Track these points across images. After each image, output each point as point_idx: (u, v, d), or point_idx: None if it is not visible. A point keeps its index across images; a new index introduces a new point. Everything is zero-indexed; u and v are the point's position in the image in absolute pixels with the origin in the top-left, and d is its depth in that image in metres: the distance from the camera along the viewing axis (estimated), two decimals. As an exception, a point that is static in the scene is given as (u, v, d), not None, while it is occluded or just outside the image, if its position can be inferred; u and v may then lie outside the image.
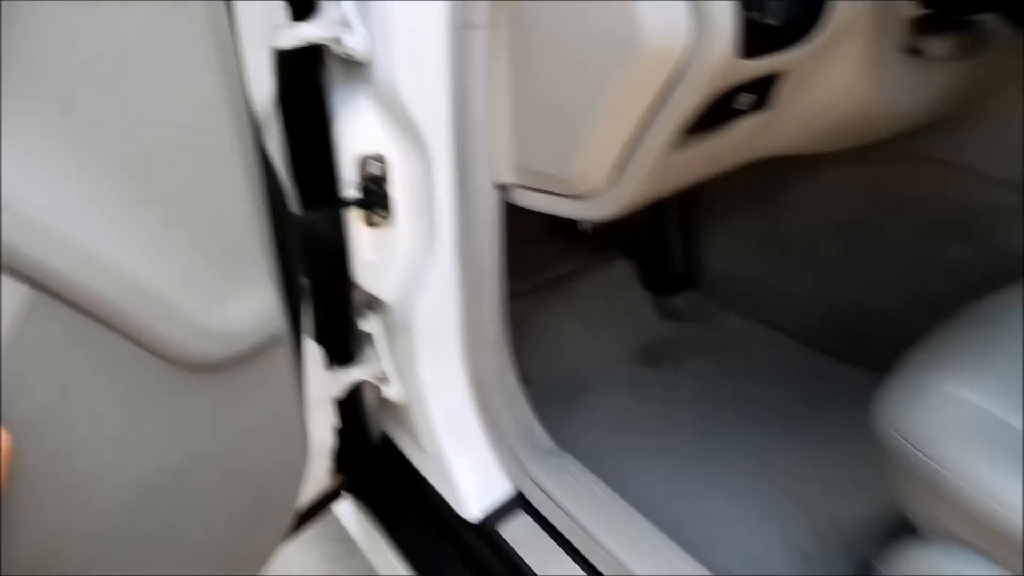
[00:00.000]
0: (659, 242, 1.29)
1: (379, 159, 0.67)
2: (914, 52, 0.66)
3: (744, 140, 0.64)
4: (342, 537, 1.23)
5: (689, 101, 0.52)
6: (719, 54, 0.49)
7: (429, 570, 0.78)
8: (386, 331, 0.78)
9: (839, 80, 0.63)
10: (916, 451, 0.53)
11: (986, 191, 0.90)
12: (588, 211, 0.64)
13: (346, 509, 0.95)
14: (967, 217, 0.93)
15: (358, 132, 0.66)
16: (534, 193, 0.67)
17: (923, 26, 0.62)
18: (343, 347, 0.79)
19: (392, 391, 0.80)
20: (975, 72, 0.75)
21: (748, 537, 0.82)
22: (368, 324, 0.79)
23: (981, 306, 0.64)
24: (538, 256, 1.22)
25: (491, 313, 0.74)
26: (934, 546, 0.54)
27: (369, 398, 0.86)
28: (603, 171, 0.60)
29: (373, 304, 0.78)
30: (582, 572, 0.68)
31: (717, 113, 0.56)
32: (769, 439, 0.96)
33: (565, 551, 0.70)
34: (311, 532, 1.24)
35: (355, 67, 0.62)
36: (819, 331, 1.13)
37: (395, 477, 0.86)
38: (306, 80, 0.63)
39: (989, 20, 0.63)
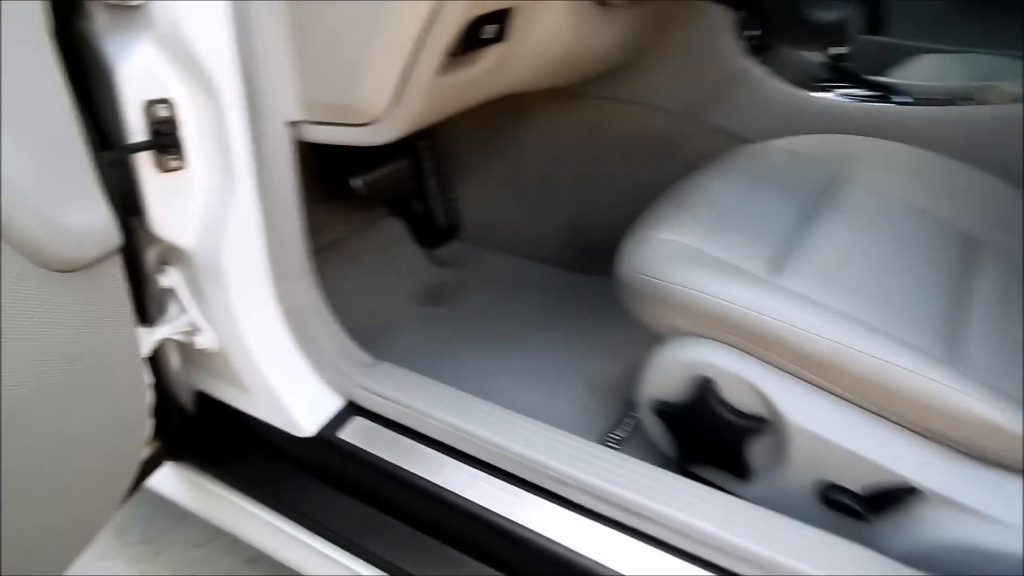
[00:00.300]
0: (422, 201, 1.43)
1: (167, 103, 0.70)
2: (602, 3, 0.87)
3: (491, 70, 0.80)
4: (147, 539, 1.19)
5: (449, 28, 0.65)
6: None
7: (278, 495, 0.83)
8: (190, 281, 0.80)
9: (552, 21, 0.81)
10: (645, 277, 0.74)
11: (667, 120, 1.19)
12: (374, 136, 0.75)
13: (168, 480, 0.94)
14: (656, 142, 1.21)
15: (141, 77, 0.68)
16: (323, 127, 0.76)
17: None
18: (138, 307, 0.79)
19: (205, 340, 0.82)
20: (646, 20, 1.00)
21: (548, 401, 1.01)
22: (167, 279, 0.81)
23: (676, 188, 0.88)
24: (313, 221, 1.29)
25: (296, 246, 0.81)
26: (668, 343, 0.75)
27: (172, 361, 0.87)
28: (385, 97, 0.72)
29: (170, 257, 0.80)
30: (427, 447, 0.78)
31: (469, 41, 0.71)
32: (543, 337, 1.16)
33: (406, 435, 0.79)
34: (107, 543, 1.18)
35: (131, 11, 0.65)
36: (565, 254, 1.36)
37: (219, 427, 0.89)
38: (65, 30, 0.64)
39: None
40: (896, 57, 1.56)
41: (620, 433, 0.95)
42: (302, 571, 0.88)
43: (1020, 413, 0.61)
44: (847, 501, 0.66)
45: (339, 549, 0.79)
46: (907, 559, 0.63)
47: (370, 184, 1.23)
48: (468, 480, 0.74)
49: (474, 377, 1.06)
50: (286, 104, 0.74)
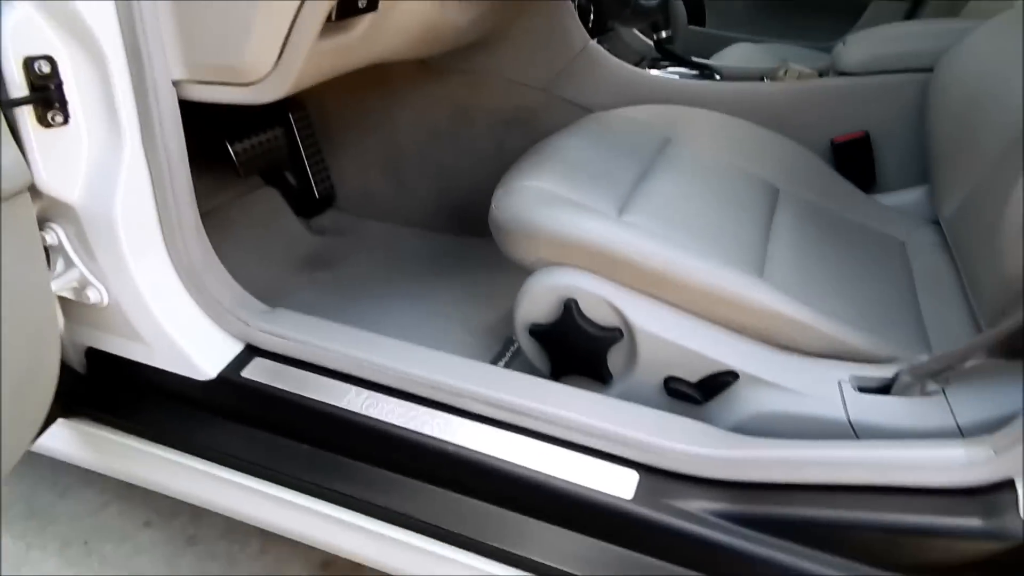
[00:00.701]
0: (297, 172, 1.47)
1: (49, 59, 0.72)
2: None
3: (364, 37, 0.88)
4: (32, 512, 1.16)
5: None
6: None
7: (184, 437, 0.87)
8: (76, 237, 0.82)
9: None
10: (515, 217, 0.86)
11: (526, 93, 1.32)
12: (257, 96, 0.81)
13: (61, 439, 0.94)
14: (518, 113, 1.34)
15: (20, 33, 0.69)
16: (207, 86, 0.81)
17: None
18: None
19: (95, 295, 0.84)
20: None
21: (432, 344, 1.09)
22: (50, 236, 0.82)
23: (536, 147, 1.01)
24: (191, 191, 1.30)
25: (186, 200, 0.85)
26: (538, 273, 0.88)
27: (58, 320, 0.88)
28: (269, 58, 0.78)
29: (53, 214, 0.81)
30: (328, 378, 0.85)
31: (346, 8, 0.79)
32: (426, 293, 1.25)
33: (307, 370, 0.86)
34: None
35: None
36: (439, 218, 1.46)
37: (115, 382, 0.91)
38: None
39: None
40: (717, 44, 1.81)
41: (500, 363, 1.07)
42: (215, 506, 0.92)
43: (807, 310, 0.79)
44: (685, 390, 0.82)
45: (250, 476, 0.84)
46: (734, 430, 0.80)
47: (245, 151, 1.26)
48: (370, 402, 0.82)
49: (363, 329, 1.14)
50: (171, 63, 0.78)
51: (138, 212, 0.82)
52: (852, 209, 1.09)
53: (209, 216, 1.34)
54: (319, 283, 1.28)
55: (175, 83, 0.80)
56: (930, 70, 1.06)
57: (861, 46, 1.17)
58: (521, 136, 1.33)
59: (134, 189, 0.80)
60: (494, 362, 1.08)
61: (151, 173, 0.81)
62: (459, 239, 1.43)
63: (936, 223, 1.06)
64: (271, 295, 1.22)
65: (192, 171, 1.34)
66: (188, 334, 0.87)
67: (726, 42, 1.78)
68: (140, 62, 0.75)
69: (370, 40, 0.91)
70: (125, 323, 0.86)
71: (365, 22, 0.87)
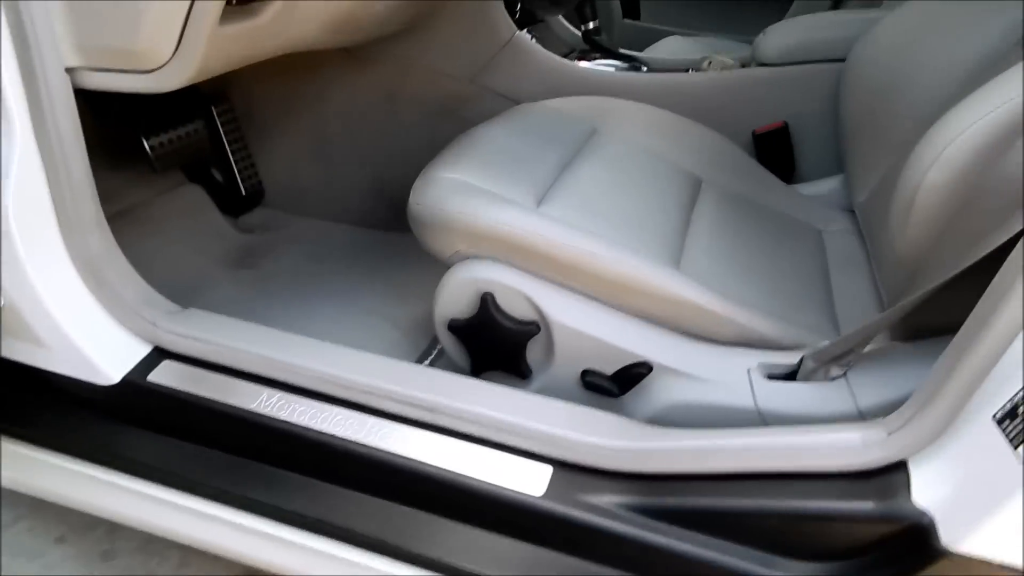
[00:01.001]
0: (222, 168, 1.43)
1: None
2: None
3: (274, 23, 0.85)
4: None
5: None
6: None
7: (89, 448, 0.84)
8: (-33, 239, 0.78)
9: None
10: (430, 208, 0.85)
11: (454, 84, 1.30)
12: (158, 83, 0.78)
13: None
14: (448, 103, 1.32)
15: None
16: (104, 73, 0.77)
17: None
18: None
19: (-10, 297, 0.80)
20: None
21: (359, 343, 1.06)
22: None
23: (460, 137, 1.00)
24: (102, 187, 1.24)
25: (84, 195, 0.81)
26: (455, 267, 0.87)
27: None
28: (168, 43, 0.75)
29: None
30: (238, 380, 0.82)
31: (248, -7, 0.77)
32: (353, 289, 1.23)
33: (217, 372, 0.83)
34: None
35: None
36: (373, 212, 1.44)
37: (17, 390, 0.86)
38: None
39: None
40: (651, 37, 1.82)
41: (426, 361, 1.05)
42: (126, 519, 0.88)
43: (718, 299, 0.80)
44: (601, 383, 0.82)
45: (160, 486, 0.81)
46: (650, 423, 0.80)
47: (162, 145, 1.22)
48: (282, 403, 0.80)
49: (283, 329, 1.11)
50: (63, 48, 0.74)
51: (32, 207, 0.78)
52: (772, 198, 1.11)
53: (127, 213, 1.31)
54: (243, 281, 1.25)
55: (69, 70, 0.77)
56: (845, 60, 1.08)
57: (779, 36, 1.19)
58: (452, 127, 1.31)
59: (27, 183, 0.77)
60: (421, 359, 1.06)
61: (45, 166, 0.78)
62: (392, 234, 1.41)
63: (852, 211, 1.09)
64: (191, 295, 1.19)
65: (108, 166, 1.30)
66: (90, 336, 0.83)
67: (660, 35, 1.79)
68: (27, 48, 0.72)
69: (281, 26, 0.88)
70: (23, 326, 0.82)
71: (274, 7, 0.84)
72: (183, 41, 0.75)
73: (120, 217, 1.26)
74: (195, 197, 1.37)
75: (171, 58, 0.77)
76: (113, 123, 1.21)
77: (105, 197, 1.27)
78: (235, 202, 1.44)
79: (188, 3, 0.73)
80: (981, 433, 0.57)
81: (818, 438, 0.66)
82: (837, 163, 1.16)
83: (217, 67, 0.83)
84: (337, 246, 1.38)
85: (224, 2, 0.74)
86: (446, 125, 1.32)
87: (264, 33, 0.86)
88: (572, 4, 0.91)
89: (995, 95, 0.59)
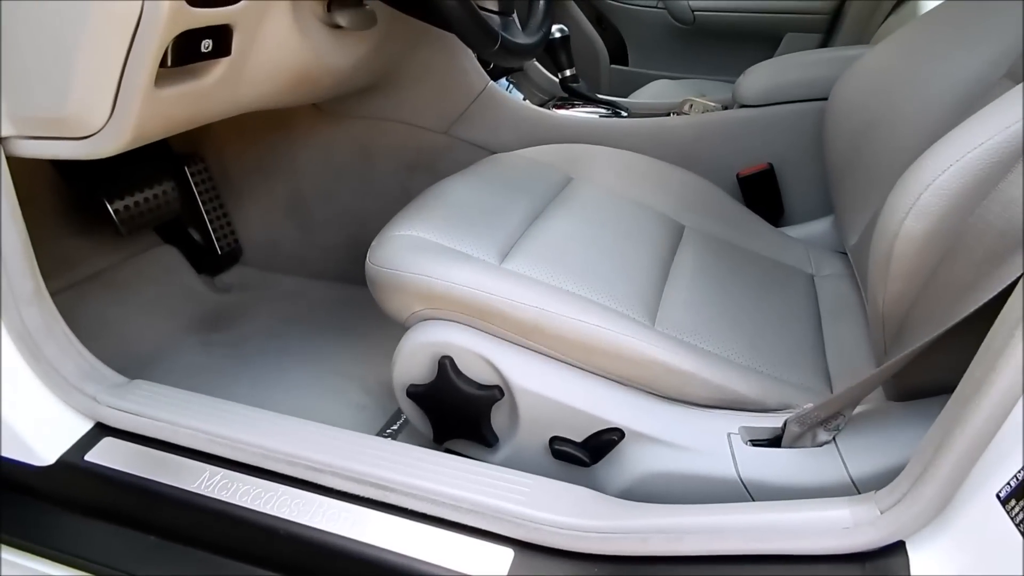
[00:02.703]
0: (199, 227, 1.40)
1: None
2: (334, 26, 0.93)
3: (223, 84, 0.82)
4: None
5: (155, 38, 0.67)
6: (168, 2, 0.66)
7: (21, 535, 0.78)
8: None
9: (281, 40, 0.86)
10: (384, 268, 0.80)
11: (427, 137, 1.27)
12: (94, 149, 0.74)
13: None
14: (421, 156, 1.29)
15: None
16: (38, 141, 0.74)
17: (331, 5, 0.90)
18: None
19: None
20: (389, 41, 1.07)
21: (322, 407, 1.03)
22: None
23: (424, 192, 0.96)
24: (70, 252, 1.22)
25: (20, 267, 0.77)
26: (412, 329, 0.81)
27: None
28: (101, 109, 0.72)
29: None
30: (182, 458, 0.77)
31: (187, 54, 0.74)
32: (324, 350, 1.18)
33: (158, 449, 0.77)
34: None
35: None
36: (350, 268, 1.39)
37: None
38: None
39: (370, 3, 0.95)
40: (639, 82, 1.80)
41: (394, 426, 0.99)
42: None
43: (691, 358, 0.74)
44: (571, 451, 0.76)
45: (89, 576, 0.75)
46: (625, 495, 0.73)
47: (128, 209, 1.19)
48: (224, 483, 0.74)
49: (249, 393, 1.06)
50: (-7, 119, 0.71)
51: (-37, 281, 0.74)
52: (759, 243, 1.05)
53: (96, 278, 1.27)
54: (213, 344, 1.20)
55: (2, 140, 0.74)
56: (827, 98, 1.04)
57: (759, 77, 1.15)
58: (426, 180, 1.28)
59: (-42, 257, 0.73)
60: (388, 424, 1.00)
61: None
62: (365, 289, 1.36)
63: (845, 253, 1.02)
64: (156, 362, 1.15)
65: (79, 229, 1.28)
66: (25, 413, 0.78)
67: (647, 79, 1.77)
68: None
69: (230, 87, 0.85)
70: (-47, 405, 0.78)
71: (220, 68, 0.81)
72: (117, 106, 0.72)
73: (89, 281, 1.23)
74: (168, 259, 1.34)
75: (106, 123, 0.73)
76: (83, 185, 1.19)
77: (75, 261, 1.26)
78: (212, 261, 1.40)
79: (120, 68, 0.70)
80: (985, 513, 0.50)
81: (804, 516, 0.59)
82: (827, 203, 1.11)
83: (158, 131, 0.80)
84: (312, 304, 1.33)
85: (156, 66, 0.71)
86: (421, 178, 1.28)
87: (211, 94, 0.83)
88: (528, 56, 0.87)
89: (971, 135, 0.53)
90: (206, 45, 0.75)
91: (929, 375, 0.63)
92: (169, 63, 0.73)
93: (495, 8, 0.84)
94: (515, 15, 1.39)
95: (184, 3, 0.68)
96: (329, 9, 0.90)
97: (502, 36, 0.79)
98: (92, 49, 0.68)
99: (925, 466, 0.53)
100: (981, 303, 0.51)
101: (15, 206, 0.76)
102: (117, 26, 0.67)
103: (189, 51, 0.74)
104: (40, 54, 0.69)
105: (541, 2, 0.94)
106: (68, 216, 1.24)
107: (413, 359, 0.80)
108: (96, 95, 0.71)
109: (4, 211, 0.74)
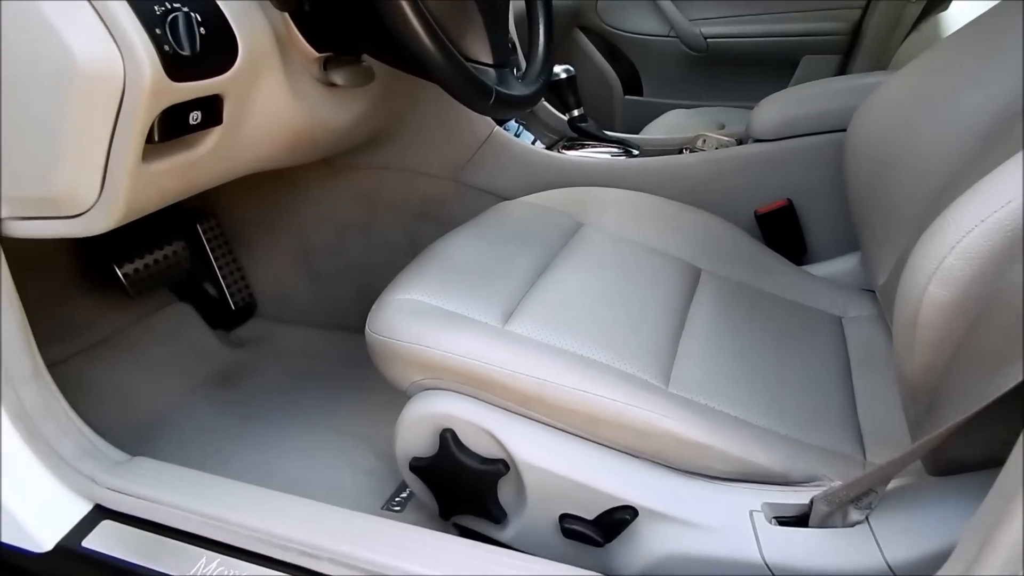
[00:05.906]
0: (213, 283, 1.39)
1: None
2: (331, 84, 0.91)
3: (217, 152, 0.80)
4: None
5: (139, 117, 0.66)
6: (151, 78, 0.64)
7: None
8: None
9: (275, 104, 0.84)
10: (381, 337, 0.77)
11: (434, 184, 1.25)
12: (86, 227, 0.73)
13: None
14: (428, 204, 1.26)
15: None
16: (31, 221, 0.73)
17: (327, 64, 0.88)
18: None
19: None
20: (388, 93, 1.05)
21: (330, 472, 1.00)
22: None
23: (426, 250, 0.93)
24: (82, 314, 1.22)
25: (17, 347, 0.76)
26: (412, 399, 0.78)
27: None
28: (90, 187, 0.70)
29: None
30: (179, 542, 0.74)
31: (176, 127, 0.72)
32: (334, 408, 1.15)
33: (156, 532, 0.75)
34: None
35: None
36: (360, 320, 1.36)
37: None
38: None
39: (367, 60, 0.93)
40: (655, 112, 1.76)
41: (403, 494, 0.96)
42: None
43: (706, 428, 0.69)
44: (582, 529, 0.71)
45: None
46: (643, 576, 0.68)
47: (138, 272, 1.19)
48: (221, 569, 0.71)
49: (256, 457, 1.04)
50: (-18, 203, 0.71)
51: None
52: (781, 284, 0.99)
53: (107, 340, 1.27)
54: (223, 403, 1.19)
55: (-2, 221, 0.73)
56: (845, 130, 0.98)
57: (773, 109, 1.10)
58: (434, 229, 1.26)
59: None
60: (397, 492, 0.96)
61: None
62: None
63: (874, 291, 0.96)
64: (163, 426, 1.13)
65: (89, 292, 1.28)
66: (21, 497, 0.77)
67: (662, 109, 1.72)
68: None
69: (226, 153, 0.84)
70: (-48, 491, 0.76)
71: (213, 137, 0.80)
72: (106, 184, 0.71)
73: (101, 344, 1.22)
74: (180, 317, 1.33)
75: (96, 201, 0.72)
76: (93, 249, 1.19)
77: (86, 324, 1.26)
78: (227, 316, 1.40)
79: (106, 146, 0.68)
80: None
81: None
82: (852, 238, 1.05)
83: (152, 204, 0.78)
84: (324, 359, 1.31)
85: (142, 143, 0.69)
86: (428, 227, 1.26)
87: (205, 163, 0.81)
88: (526, 107, 0.84)
89: (997, 192, 0.48)
90: (195, 117, 0.74)
91: (972, 447, 0.57)
92: (156, 139, 0.71)
93: (489, 61, 0.81)
94: (519, 52, 1.37)
95: (166, 79, 0.66)
96: (325, 68, 0.88)
97: (496, 90, 0.75)
98: (76, 130, 0.67)
99: (975, 556, 0.47)
100: None
101: (11, 287, 0.75)
102: (99, 107, 0.65)
103: (177, 125, 0.73)
104: (26, 134, 0.68)
105: (540, 51, 0.91)
106: (81, 278, 1.24)
107: (414, 431, 0.77)
108: (84, 174, 0.70)
109: (6, 297, 0.73)
